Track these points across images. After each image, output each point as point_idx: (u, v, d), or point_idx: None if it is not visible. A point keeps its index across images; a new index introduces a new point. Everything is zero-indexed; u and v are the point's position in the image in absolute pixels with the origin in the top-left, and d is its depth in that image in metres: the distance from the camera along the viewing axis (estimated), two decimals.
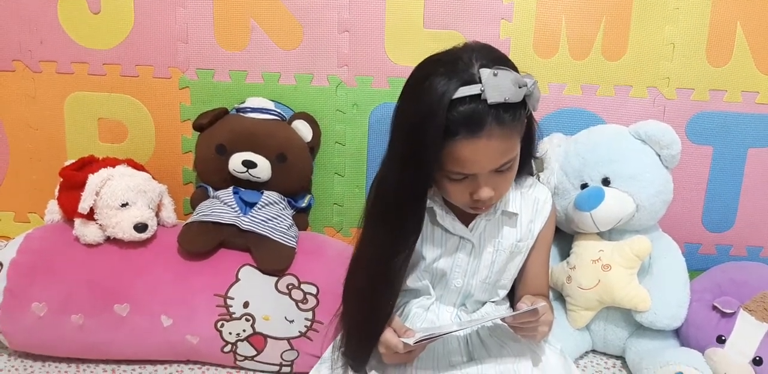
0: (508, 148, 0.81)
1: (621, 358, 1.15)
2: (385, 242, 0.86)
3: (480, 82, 0.76)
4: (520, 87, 0.78)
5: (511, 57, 0.84)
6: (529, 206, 0.98)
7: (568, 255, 1.15)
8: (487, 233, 0.96)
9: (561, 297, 1.16)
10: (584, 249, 1.12)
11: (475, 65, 0.77)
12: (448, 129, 0.77)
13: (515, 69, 0.81)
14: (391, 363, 0.88)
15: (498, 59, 0.80)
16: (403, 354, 0.85)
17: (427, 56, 0.84)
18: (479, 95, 0.76)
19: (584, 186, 1.12)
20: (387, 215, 0.85)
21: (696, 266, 1.22)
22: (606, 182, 1.10)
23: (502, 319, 0.88)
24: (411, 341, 0.81)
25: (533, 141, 0.93)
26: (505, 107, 0.77)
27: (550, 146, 1.15)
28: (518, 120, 0.80)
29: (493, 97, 0.76)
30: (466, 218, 0.94)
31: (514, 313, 0.84)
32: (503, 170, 0.83)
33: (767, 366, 0.99)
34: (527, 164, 0.96)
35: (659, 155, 1.10)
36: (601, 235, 1.13)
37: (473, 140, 0.78)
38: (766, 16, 1.22)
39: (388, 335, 0.85)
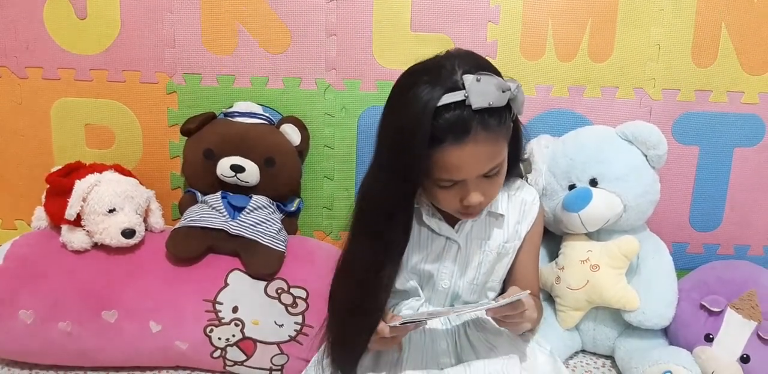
0: (495, 152, 0.82)
1: (610, 358, 1.15)
2: (371, 254, 0.85)
3: (464, 88, 0.76)
4: (503, 91, 0.78)
5: (498, 59, 0.85)
6: (516, 207, 0.98)
7: (557, 256, 1.15)
8: (474, 234, 0.96)
9: (550, 298, 1.17)
10: (573, 250, 1.12)
11: (458, 72, 0.78)
12: (434, 137, 0.77)
13: (498, 74, 0.81)
14: (376, 349, 0.88)
15: (481, 65, 0.80)
16: (389, 339, 0.85)
17: (410, 65, 0.84)
18: (464, 101, 0.76)
19: (572, 187, 1.12)
20: (373, 225, 0.85)
21: (684, 266, 1.23)
22: (593, 182, 1.11)
23: (486, 309, 0.87)
24: (397, 323, 0.82)
25: (520, 144, 0.93)
26: (490, 111, 0.77)
27: (538, 148, 1.16)
28: (504, 124, 0.81)
29: (477, 102, 0.76)
30: (452, 219, 0.95)
31: (499, 303, 0.83)
32: (491, 174, 0.84)
33: (755, 364, 1.00)
34: (515, 166, 0.96)
35: (646, 156, 1.11)
36: (590, 235, 1.13)
37: (460, 147, 0.78)
38: (750, 17, 1.23)
39: None
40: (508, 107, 0.80)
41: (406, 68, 0.85)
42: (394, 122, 0.81)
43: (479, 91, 0.76)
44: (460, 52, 0.83)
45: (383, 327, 0.83)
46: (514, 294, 0.86)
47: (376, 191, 0.84)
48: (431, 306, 1.00)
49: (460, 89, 0.76)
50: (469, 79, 0.76)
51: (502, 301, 0.83)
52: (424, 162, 0.78)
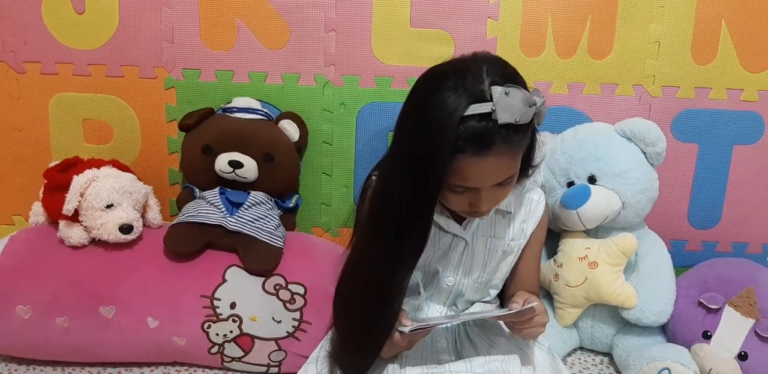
0: (512, 165, 0.81)
1: (608, 355, 1.16)
2: (386, 257, 0.83)
3: (491, 99, 0.74)
4: (530, 106, 0.76)
5: (497, 56, 0.83)
6: (523, 206, 0.98)
7: (555, 253, 1.15)
8: (480, 232, 0.96)
9: (548, 295, 1.17)
10: (571, 247, 1.12)
11: (485, 81, 0.75)
12: (456, 145, 0.75)
13: (524, 83, 0.79)
14: (388, 356, 0.88)
15: (508, 75, 0.78)
16: (402, 346, 0.85)
17: (431, 66, 0.82)
18: (489, 114, 0.74)
19: (571, 184, 1.12)
20: (389, 229, 0.82)
21: (682, 263, 1.23)
22: (592, 179, 1.11)
23: (497, 317, 0.88)
24: (407, 329, 0.82)
25: (534, 150, 0.91)
26: (515, 127, 0.76)
27: (543, 148, 1.15)
28: (525, 138, 0.80)
29: (503, 118, 0.74)
30: (459, 216, 0.94)
31: (509, 312, 0.84)
32: (505, 184, 0.83)
33: (752, 361, 1.00)
34: (525, 169, 0.94)
35: (645, 153, 1.11)
36: (588, 233, 1.13)
37: (480, 158, 0.77)
38: (750, 14, 1.23)
39: None
40: (530, 119, 0.78)
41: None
42: (416, 126, 0.78)
43: (506, 106, 0.74)
44: (487, 57, 0.80)
45: (397, 338, 0.83)
46: (520, 299, 0.86)
47: (394, 194, 0.81)
48: (433, 303, 1.00)
49: (487, 100, 0.74)
50: (497, 91, 0.74)
51: (511, 311, 0.83)
52: (444, 168, 0.77)
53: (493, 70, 0.77)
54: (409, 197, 0.79)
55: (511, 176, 0.83)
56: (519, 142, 0.78)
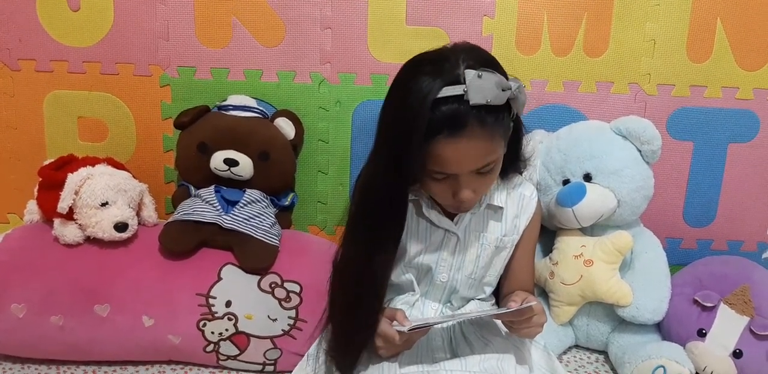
0: (489, 150, 0.81)
1: (604, 353, 1.16)
2: (368, 242, 0.86)
3: (464, 82, 0.76)
4: (503, 90, 0.78)
5: (493, 54, 0.84)
6: (515, 201, 0.98)
7: (551, 251, 1.15)
8: (472, 227, 0.96)
9: (544, 293, 1.17)
10: (566, 245, 1.12)
11: (461, 66, 0.78)
12: (431, 128, 0.77)
13: (503, 72, 0.81)
14: (388, 355, 0.88)
15: (485, 61, 0.80)
16: (400, 345, 0.85)
17: (414, 55, 0.84)
18: (462, 96, 0.76)
19: (566, 182, 1.12)
20: (370, 214, 0.85)
21: (677, 261, 1.23)
22: (588, 177, 1.11)
23: (495, 316, 0.88)
24: (405, 329, 0.82)
25: (520, 143, 0.93)
26: (488, 108, 0.77)
27: (532, 143, 1.15)
28: (501, 122, 0.80)
29: (475, 98, 0.76)
30: (450, 212, 0.94)
31: (507, 310, 0.84)
32: (484, 171, 0.83)
33: (747, 359, 1.00)
34: (515, 164, 0.96)
35: (640, 151, 1.11)
36: (583, 231, 1.13)
37: (455, 140, 0.78)
38: (745, 13, 1.23)
39: (384, 326, 0.85)
40: (507, 106, 0.80)
41: (401, 62, 0.84)
42: (392, 111, 0.81)
43: (479, 88, 0.76)
44: (466, 46, 0.82)
45: (394, 335, 0.83)
46: (518, 298, 0.86)
47: (372, 181, 0.84)
48: (428, 300, 1.00)
49: (460, 83, 0.76)
50: (470, 74, 0.76)
51: (510, 309, 0.84)
52: (419, 153, 0.78)
53: (469, 57, 0.79)
54: (385, 182, 0.81)
55: (491, 164, 0.83)
56: (493, 124, 0.79)
